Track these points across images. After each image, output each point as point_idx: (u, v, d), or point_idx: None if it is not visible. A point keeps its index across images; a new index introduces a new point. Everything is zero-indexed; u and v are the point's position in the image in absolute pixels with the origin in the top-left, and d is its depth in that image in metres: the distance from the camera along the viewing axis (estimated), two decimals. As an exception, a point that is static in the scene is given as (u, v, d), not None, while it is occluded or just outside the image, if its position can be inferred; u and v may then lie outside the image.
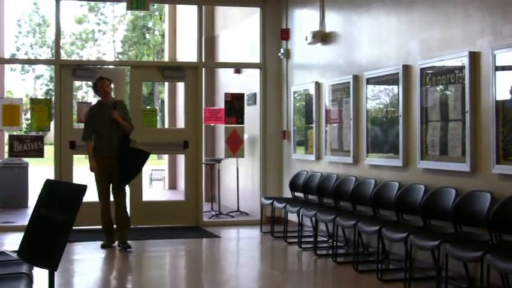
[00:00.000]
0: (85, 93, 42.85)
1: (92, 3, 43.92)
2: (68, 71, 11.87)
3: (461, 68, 7.27)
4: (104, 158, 9.69)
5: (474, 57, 7.09)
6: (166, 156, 21.37)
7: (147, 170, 16.99)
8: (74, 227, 4.30)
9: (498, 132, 6.67)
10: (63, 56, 22.64)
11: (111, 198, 9.86)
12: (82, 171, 12.35)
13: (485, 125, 6.90)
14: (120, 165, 9.61)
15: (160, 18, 38.47)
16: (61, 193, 4.66)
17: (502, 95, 6.66)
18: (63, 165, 11.70)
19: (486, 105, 6.89)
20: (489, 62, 6.81)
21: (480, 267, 6.07)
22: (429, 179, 7.79)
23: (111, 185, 9.78)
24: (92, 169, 9.79)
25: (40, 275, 4.84)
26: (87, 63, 12.83)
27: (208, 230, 11.69)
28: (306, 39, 10.98)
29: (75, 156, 11.96)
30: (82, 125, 13.05)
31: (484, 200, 6.66)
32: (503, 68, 6.67)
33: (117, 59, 42.43)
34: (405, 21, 8.53)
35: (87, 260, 9.29)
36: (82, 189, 4.32)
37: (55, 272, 4.32)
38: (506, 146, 6.59)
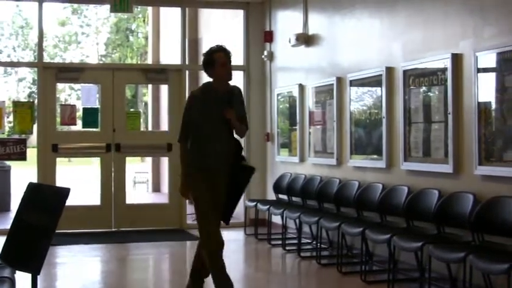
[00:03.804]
0: (68, 95, 42.69)
1: (75, 6, 43.75)
2: (50, 73, 11.81)
3: (443, 70, 7.29)
4: (206, 172, 6.52)
5: (456, 59, 7.12)
6: (149, 159, 21.34)
7: (130, 172, 16.97)
8: (56, 231, 4.28)
9: (480, 134, 6.70)
10: (46, 59, 22.53)
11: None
12: (65, 174, 12.33)
13: (468, 126, 6.92)
14: (230, 191, 6.55)
15: (144, 20, 38.39)
16: (44, 196, 4.65)
17: (484, 96, 6.69)
18: (46, 168, 11.65)
19: (468, 106, 6.92)
20: (471, 64, 6.84)
21: (463, 268, 6.11)
22: (412, 181, 7.81)
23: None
24: (183, 193, 6.75)
25: (23, 279, 4.81)
26: (70, 66, 12.78)
27: (192, 232, 11.66)
28: (290, 42, 10.98)
29: (58, 159, 11.89)
30: (65, 128, 13.10)
31: (466, 201, 6.68)
32: (485, 70, 6.71)
33: (101, 62, 42.33)
34: (388, 23, 8.55)
35: (70, 263, 9.25)
36: (65, 192, 4.31)
37: (38, 276, 4.31)
38: (488, 147, 6.62)
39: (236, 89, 6.69)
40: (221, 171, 6.49)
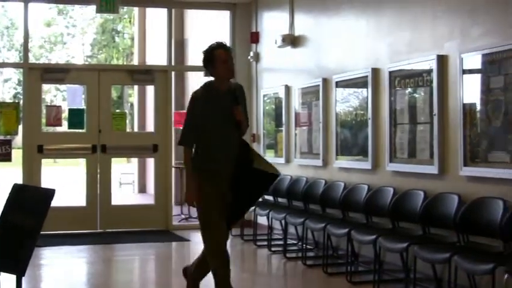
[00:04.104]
0: (54, 96, 42.55)
1: (61, 6, 43.64)
2: (36, 74, 11.77)
3: (429, 71, 7.32)
4: (215, 177, 6.12)
5: (442, 61, 7.14)
6: (135, 160, 21.30)
7: (116, 173, 16.93)
8: (41, 232, 4.27)
9: (466, 135, 6.73)
10: (32, 59, 22.46)
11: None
12: (50, 175, 12.29)
13: (453, 127, 6.95)
14: (235, 192, 6.12)
15: (130, 21, 38.34)
16: (29, 197, 4.64)
17: (469, 98, 6.72)
18: (31, 169, 11.60)
19: (454, 108, 6.94)
20: (456, 65, 6.86)
21: (448, 268, 6.13)
22: (398, 182, 7.83)
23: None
24: (189, 200, 6.22)
25: (7, 280, 4.79)
26: (56, 67, 12.74)
27: (177, 233, 11.66)
28: (276, 43, 10.99)
29: (43, 160, 11.84)
30: (51, 129, 13.05)
31: (451, 202, 6.71)
32: (471, 71, 6.73)
33: (86, 62, 42.24)
34: (374, 24, 8.57)
35: (55, 265, 9.22)
36: (50, 193, 4.30)
37: (22, 278, 4.29)
38: (473, 148, 6.64)
39: (238, 86, 6.43)
40: (230, 177, 6.08)
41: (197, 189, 6.08)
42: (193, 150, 6.20)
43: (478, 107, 6.61)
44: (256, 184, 6.16)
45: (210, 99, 6.15)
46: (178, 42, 16.07)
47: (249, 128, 12.16)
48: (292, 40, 10.70)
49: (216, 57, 6.14)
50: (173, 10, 12.84)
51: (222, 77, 6.19)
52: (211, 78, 6.31)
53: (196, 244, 10.91)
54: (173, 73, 12.86)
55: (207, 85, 6.29)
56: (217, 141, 6.10)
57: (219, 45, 6.23)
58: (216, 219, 6.08)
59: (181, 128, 12.53)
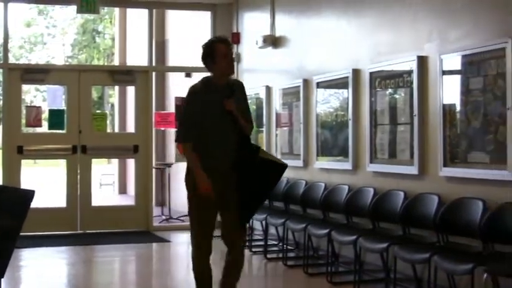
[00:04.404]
0: (34, 97, 42.36)
1: (41, 7, 43.45)
2: (16, 74, 11.71)
3: (409, 72, 7.34)
4: (213, 174, 5.84)
5: (422, 62, 7.17)
6: (116, 161, 21.23)
7: (96, 174, 16.87)
8: (21, 233, 4.25)
9: (445, 136, 6.76)
10: (12, 60, 22.29)
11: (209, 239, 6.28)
12: (30, 176, 12.23)
13: (433, 128, 6.98)
14: (240, 188, 5.88)
15: (111, 21, 38.22)
16: (8, 198, 4.61)
17: (449, 98, 6.75)
18: (10, 170, 11.54)
19: (433, 108, 6.97)
20: (436, 66, 6.90)
21: (428, 268, 6.15)
22: (378, 182, 7.86)
23: (218, 218, 6.12)
24: (202, 190, 5.84)
25: (-14, 281, 4.77)
26: (36, 67, 12.68)
27: (158, 234, 11.63)
28: (257, 43, 11.00)
29: (23, 161, 11.78)
30: (31, 130, 12.98)
31: (431, 203, 6.73)
32: (450, 72, 6.77)
33: (67, 63, 42.09)
34: (355, 25, 8.59)
35: (35, 266, 9.18)
36: (30, 194, 4.28)
37: (2, 279, 4.27)
38: (453, 149, 6.68)
39: (237, 82, 6.26)
40: (230, 173, 5.86)
41: (205, 176, 5.78)
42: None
43: (458, 108, 6.64)
44: (265, 176, 5.91)
45: (208, 95, 5.92)
46: (159, 43, 16.03)
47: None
48: (273, 41, 10.71)
49: (217, 51, 5.90)
50: (154, 11, 12.81)
51: (223, 72, 5.95)
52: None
53: (177, 245, 10.91)
54: (154, 74, 12.83)
55: (205, 80, 6.07)
56: (215, 137, 5.88)
57: (220, 39, 6.02)
58: (200, 216, 6.01)
59: (161, 128, 12.23)
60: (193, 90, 6.03)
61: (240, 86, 6.14)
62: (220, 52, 5.89)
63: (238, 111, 5.91)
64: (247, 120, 6.05)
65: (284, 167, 6.02)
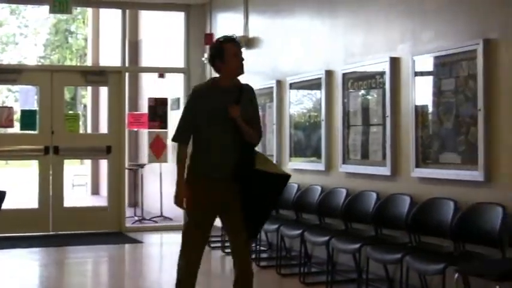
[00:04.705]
0: (6, 97, 42.06)
1: (13, 6, 43.16)
2: (-13, 74, 11.63)
3: (382, 73, 7.38)
4: (211, 181, 5.52)
5: (395, 63, 7.21)
6: (89, 161, 21.12)
7: (69, 175, 16.78)
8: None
9: (417, 137, 6.80)
10: (-17, 60, 22.20)
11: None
12: (1, 177, 12.14)
13: (405, 129, 7.01)
14: (244, 201, 5.50)
15: (84, 22, 38.05)
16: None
17: (421, 99, 6.79)
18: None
19: (406, 109, 7.01)
20: (409, 68, 6.93)
21: (400, 268, 6.18)
22: (351, 183, 7.88)
23: (212, 227, 5.75)
24: (178, 201, 5.60)
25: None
26: (8, 67, 12.58)
27: (131, 235, 11.59)
28: (230, 44, 10.97)
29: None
30: (2, 131, 12.88)
31: (403, 203, 6.77)
32: (422, 74, 6.80)
33: (39, 63, 41.84)
34: (328, 27, 8.61)
35: (6, 268, 9.11)
36: (1, 195, 4.26)
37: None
38: (425, 149, 6.71)
39: (247, 86, 5.75)
40: (230, 183, 5.45)
41: (186, 188, 5.51)
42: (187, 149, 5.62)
43: (430, 109, 6.68)
44: (265, 189, 5.50)
45: (212, 97, 5.56)
46: (132, 43, 15.97)
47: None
48: (247, 42, 10.71)
49: (227, 51, 5.56)
50: (127, 11, 12.78)
51: (232, 72, 5.60)
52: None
53: (150, 246, 10.88)
54: (127, 74, 12.79)
55: (210, 81, 5.81)
56: (216, 144, 5.50)
57: (228, 39, 5.67)
58: (193, 223, 5.60)
59: (134, 129, 12.25)
60: (195, 91, 5.70)
61: (249, 91, 5.72)
62: (230, 51, 5.57)
63: (244, 117, 5.50)
64: (255, 129, 5.61)
65: (287, 177, 5.63)
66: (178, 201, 5.58)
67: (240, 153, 5.51)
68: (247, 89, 5.72)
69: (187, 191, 5.52)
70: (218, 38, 5.75)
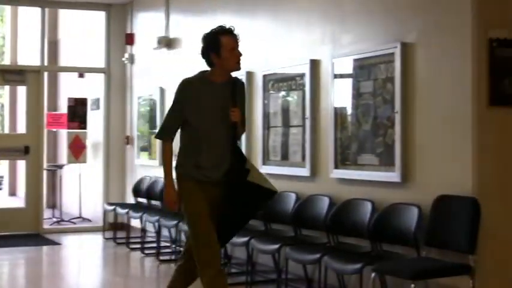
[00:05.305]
0: None
1: None
2: None
3: (302, 75, 7.44)
4: (205, 183, 5.21)
5: (314, 65, 7.27)
6: (6, 162, 20.71)
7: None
8: None
9: (336, 138, 6.87)
10: None
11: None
12: None
13: (325, 130, 7.08)
14: (228, 208, 5.22)
15: (1, 20, 37.31)
16: None
17: (340, 101, 6.87)
18: None
19: (325, 111, 7.08)
20: (328, 70, 7.00)
21: (318, 268, 6.24)
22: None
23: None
24: (169, 202, 5.32)
25: None
26: None
27: (49, 237, 11.42)
28: (151, 45, 10.93)
29: None
30: None
31: (322, 204, 6.83)
32: (342, 76, 6.89)
33: (-45, 62, 40.91)
34: (249, 28, 8.62)
35: None
36: None
37: None
38: (344, 151, 6.79)
39: (239, 81, 5.42)
40: (220, 184, 5.19)
41: (174, 187, 5.23)
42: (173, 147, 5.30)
43: (349, 111, 6.76)
44: (249, 200, 5.25)
45: (203, 92, 5.22)
46: (51, 43, 15.74)
47: (122, 130, 12.20)
48: (168, 42, 10.66)
49: (223, 45, 5.17)
50: (46, 10, 12.59)
51: (228, 68, 5.27)
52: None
53: (68, 248, 10.75)
54: (46, 74, 12.60)
55: (201, 75, 5.36)
56: (206, 142, 5.17)
57: (225, 30, 5.24)
58: (207, 231, 5.13)
59: (53, 129, 12.14)
60: (186, 84, 5.34)
61: (241, 87, 5.42)
62: (227, 45, 5.18)
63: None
64: (243, 125, 5.41)
65: (273, 193, 5.37)
66: (169, 202, 5.27)
67: (231, 154, 5.21)
68: (240, 84, 5.41)
69: (178, 190, 5.22)
70: (213, 29, 5.32)
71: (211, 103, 5.18)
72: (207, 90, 5.22)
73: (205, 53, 5.27)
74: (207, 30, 5.29)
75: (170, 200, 5.26)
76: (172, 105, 5.32)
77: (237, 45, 5.25)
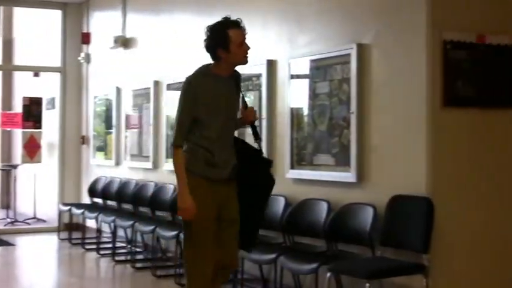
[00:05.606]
0: None
1: None
2: None
3: (258, 76, 7.45)
4: (213, 184, 4.87)
5: (271, 65, 7.29)
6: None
7: None
8: None
9: (292, 138, 6.89)
10: None
11: None
12: None
13: (281, 131, 7.10)
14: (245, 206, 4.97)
15: (-45, 18, 36.76)
16: None
17: (296, 102, 6.89)
18: None
19: (282, 111, 7.10)
20: (285, 70, 7.02)
21: (274, 268, 6.25)
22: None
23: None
24: (182, 211, 4.87)
25: None
26: None
27: (2, 238, 11.29)
28: (108, 44, 10.86)
29: None
30: None
31: (278, 204, 6.83)
32: (298, 76, 6.91)
33: None
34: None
35: None
36: None
37: None
38: (300, 151, 6.82)
39: (239, 74, 5.13)
40: (233, 182, 4.93)
41: (190, 201, 4.79)
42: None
43: (305, 112, 6.78)
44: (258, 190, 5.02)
45: (210, 88, 4.91)
46: (6, 41, 15.59)
47: (78, 130, 12.11)
48: (124, 42, 10.61)
49: (232, 40, 4.87)
50: (1, 8, 12.45)
51: (236, 62, 4.98)
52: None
53: (22, 248, 10.64)
54: (0, 73, 12.46)
55: (204, 70, 5.04)
56: (218, 140, 4.86)
57: (233, 23, 4.96)
58: (203, 239, 4.84)
59: (7, 129, 12.04)
60: (190, 84, 4.98)
61: (240, 79, 5.17)
62: (236, 40, 4.88)
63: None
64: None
65: (270, 162, 5.25)
66: (185, 209, 4.82)
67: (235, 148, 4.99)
68: (240, 77, 5.16)
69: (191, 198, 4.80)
70: (220, 22, 5.00)
71: (219, 98, 4.91)
72: (214, 85, 4.93)
73: (212, 48, 4.94)
74: (211, 23, 5.01)
75: (187, 207, 4.80)
76: (180, 107, 4.93)
77: (245, 38, 4.98)
